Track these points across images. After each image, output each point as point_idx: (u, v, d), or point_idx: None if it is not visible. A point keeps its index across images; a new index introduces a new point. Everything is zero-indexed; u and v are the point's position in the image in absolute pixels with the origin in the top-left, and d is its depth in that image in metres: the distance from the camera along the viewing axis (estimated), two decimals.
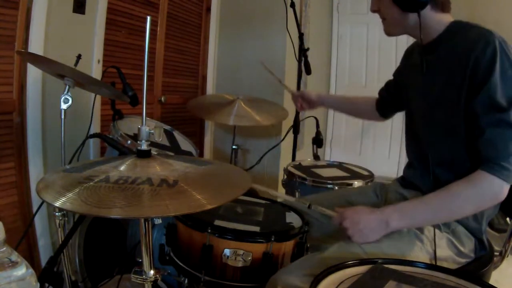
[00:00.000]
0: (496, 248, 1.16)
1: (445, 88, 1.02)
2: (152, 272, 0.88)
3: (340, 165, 2.03)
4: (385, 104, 1.41)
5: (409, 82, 1.21)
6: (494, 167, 0.92)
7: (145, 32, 0.83)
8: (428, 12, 1.02)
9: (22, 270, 0.67)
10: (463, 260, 1.05)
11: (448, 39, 1.02)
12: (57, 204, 0.69)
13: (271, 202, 1.34)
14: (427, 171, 1.10)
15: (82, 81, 1.27)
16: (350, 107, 1.58)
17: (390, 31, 1.11)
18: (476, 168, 0.95)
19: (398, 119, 3.78)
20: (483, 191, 0.94)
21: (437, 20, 1.03)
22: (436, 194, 0.98)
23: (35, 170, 1.58)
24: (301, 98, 1.60)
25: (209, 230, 1.04)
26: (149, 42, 0.84)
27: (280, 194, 1.24)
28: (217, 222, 1.11)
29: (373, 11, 1.11)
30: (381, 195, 1.30)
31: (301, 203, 1.17)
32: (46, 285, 1.15)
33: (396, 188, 1.23)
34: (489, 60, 0.92)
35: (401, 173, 1.26)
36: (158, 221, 1.33)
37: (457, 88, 0.98)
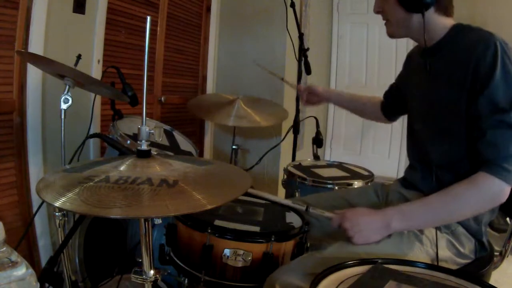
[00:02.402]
0: (496, 248, 1.16)
1: (446, 90, 1.02)
2: (152, 272, 0.88)
3: (340, 165, 2.03)
4: (390, 106, 1.42)
5: (410, 85, 1.21)
6: (494, 168, 0.91)
7: (145, 32, 0.83)
8: (432, 15, 1.02)
9: (22, 270, 0.67)
10: (463, 261, 1.05)
11: (449, 42, 1.03)
12: (57, 204, 0.69)
13: (271, 202, 1.34)
14: (428, 173, 1.10)
15: (82, 81, 1.27)
16: (357, 105, 1.55)
17: (393, 33, 1.11)
18: (476, 170, 0.94)
19: (398, 119, 3.78)
20: (484, 192, 0.93)
21: (441, 24, 1.04)
22: (437, 195, 0.98)
23: (35, 170, 1.58)
24: (308, 92, 1.57)
25: (209, 230, 1.04)
26: (149, 42, 0.84)
27: (276, 197, 1.24)
28: (217, 222, 1.10)
29: (377, 12, 1.11)
30: (382, 195, 1.30)
31: (298, 206, 1.17)
32: (46, 285, 1.15)
33: (397, 189, 1.23)
34: (490, 62, 0.92)
35: (401, 173, 1.27)
36: (158, 221, 1.33)
37: (458, 90, 0.98)
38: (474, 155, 0.97)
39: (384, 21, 1.11)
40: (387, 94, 1.42)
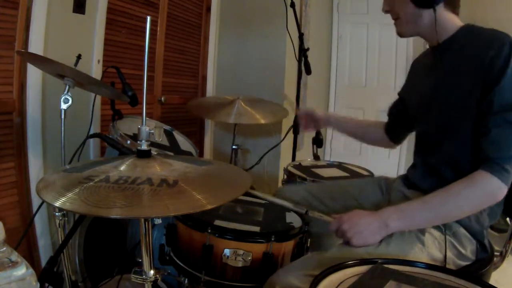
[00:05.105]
0: (496, 248, 1.16)
1: (454, 89, 1.02)
2: (152, 272, 0.88)
3: (340, 165, 2.03)
4: (395, 124, 1.36)
5: (417, 86, 1.20)
6: (494, 167, 0.92)
7: (145, 32, 0.83)
8: (442, 11, 1.03)
9: (22, 270, 0.67)
10: (464, 263, 1.05)
11: (460, 41, 1.03)
12: (57, 204, 0.69)
13: (272, 203, 1.34)
14: (429, 172, 1.10)
15: (82, 81, 1.27)
16: (358, 130, 1.48)
17: (403, 31, 1.10)
18: (477, 168, 0.95)
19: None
20: (482, 190, 0.94)
21: (450, 21, 1.04)
22: (435, 194, 0.98)
23: (35, 170, 1.58)
24: (306, 117, 1.50)
25: (209, 230, 1.05)
26: (149, 42, 0.84)
27: (277, 199, 1.23)
28: (217, 222, 1.10)
29: (386, 11, 1.11)
30: (385, 191, 1.29)
31: (299, 210, 1.16)
32: (46, 285, 1.15)
33: (400, 188, 1.22)
34: (504, 61, 0.92)
35: (401, 173, 1.26)
36: (158, 221, 1.33)
37: (468, 89, 0.98)
38: (476, 151, 0.97)
39: (393, 21, 1.11)
40: (391, 111, 1.38)
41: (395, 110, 1.36)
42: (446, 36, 1.05)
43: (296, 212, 1.25)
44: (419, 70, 1.23)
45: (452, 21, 1.05)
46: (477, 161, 0.96)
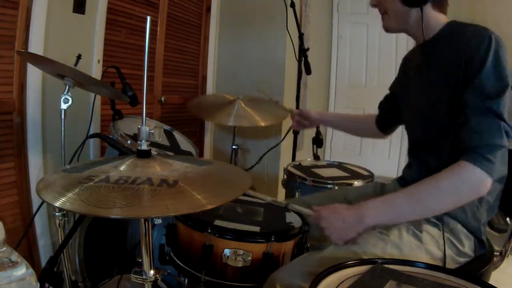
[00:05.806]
0: (496, 248, 1.16)
1: (443, 86, 1.02)
2: (152, 272, 0.88)
3: (340, 165, 2.03)
4: (385, 117, 1.42)
5: (410, 86, 1.21)
6: (476, 157, 0.87)
7: (145, 32, 0.83)
8: (429, 10, 1.04)
9: (22, 270, 0.67)
10: (463, 260, 1.05)
11: (445, 37, 1.04)
12: (57, 204, 0.69)
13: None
14: (426, 171, 1.10)
15: (82, 81, 1.27)
16: (351, 125, 1.58)
17: (390, 26, 1.11)
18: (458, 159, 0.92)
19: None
20: (464, 182, 0.89)
21: (436, 19, 1.05)
22: (414, 186, 0.95)
23: (35, 170, 1.58)
24: (299, 116, 1.59)
25: (209, 230, 1.05)
26: (149, 42, 0.84)
27: (257, 194, 1.20)
28: (217, 222, 1.10)
29: (373, 5, 1.11)
30: (380, 193, 1.30)
31: (278, 204, 1.15)
32: (46, 285, 1.15)
33: (395, 188, 1.23)
34: (483, 54, 0.92)
35: (401, 173, 1.26)
36: (158, 221, 1.33)
37: (454, 86, 0.98)
38: (457, 143, 0.95)
39: (381, 15, 1.12)
40: (382, 105, 1.42)
41: (386, 105, 1.40)
42: (431, 35, 1.06)
43: (275, 205, 1.23)
44: (409, 68, 1.23)
45: (437, 19, 1.05)
46: (459, 153, 0.92)
